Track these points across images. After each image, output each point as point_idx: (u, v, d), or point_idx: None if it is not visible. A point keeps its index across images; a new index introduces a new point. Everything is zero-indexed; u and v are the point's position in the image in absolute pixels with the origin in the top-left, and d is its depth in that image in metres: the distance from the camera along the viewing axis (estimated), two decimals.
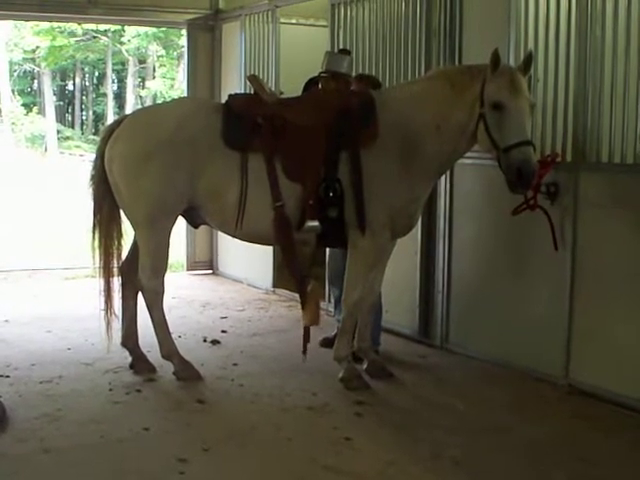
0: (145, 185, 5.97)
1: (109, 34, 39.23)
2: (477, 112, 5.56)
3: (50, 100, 43.03)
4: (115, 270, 6.34)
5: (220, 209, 6.03)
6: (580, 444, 5.15)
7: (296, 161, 5.90)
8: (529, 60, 5.59)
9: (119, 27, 34.51)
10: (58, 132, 42.19)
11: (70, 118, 49.92)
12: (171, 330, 6.39)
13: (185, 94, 11.12)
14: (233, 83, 10.00)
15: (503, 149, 5.40)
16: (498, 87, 5.45)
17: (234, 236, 6.25)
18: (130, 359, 6.43)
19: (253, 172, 5.89)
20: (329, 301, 7.93)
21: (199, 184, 5.97)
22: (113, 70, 45.62)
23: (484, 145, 5.63)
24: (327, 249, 7.08)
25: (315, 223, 5.88)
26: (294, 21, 9.91)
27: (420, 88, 6.05)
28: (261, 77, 7.46)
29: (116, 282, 6.35)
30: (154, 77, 41.89)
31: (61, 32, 37.59)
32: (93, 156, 6.54)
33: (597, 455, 4.99)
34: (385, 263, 6.38)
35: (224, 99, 6.49)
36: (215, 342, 7.30)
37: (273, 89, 7.59)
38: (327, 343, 6.84)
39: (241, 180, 5.91)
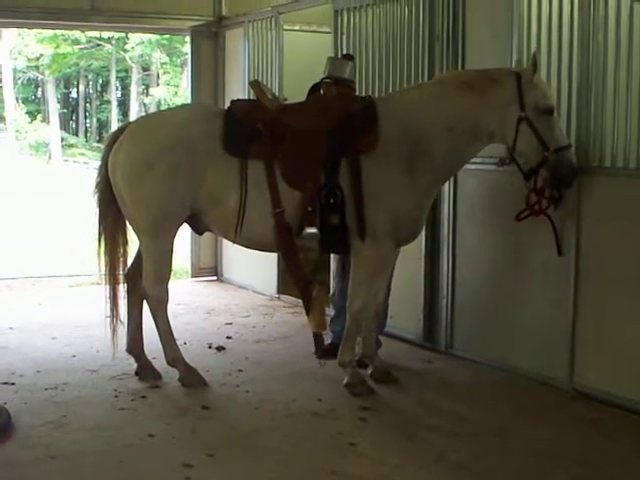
0: (147, 192, 5.98)
1: (113, 42, 39.35)
2: (514, 115, 5.65)
3: (54, 108, 43.14)
4: (121, 277, 6.36)
5: (220, 215, 6.04)
6: (584, 448, 5.15)
7: (296, 167, 5.90)
8: (534, 63, 5.65)
9: (122, 34, 34.63)
10: (62, 140, 42.32)
11: (74, 126, 50.03)
12: (176, 337, 6.40)
13: (189, 101, 11.14)
14: (237, 89, 10.01)
15: (555, 150, 5.59)
16: (544, 92, 5.69)
17: (234, 242, 6.24)
18: (135, 366, 6.43)
19: (253, 178, 5.89)
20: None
21: (200, 190, 5.97)
22: (117, 77, 45.74)
23: (526, 146, 5.69)
24: (334, 265, 7.09)
25: (313, 230, 5.87)
26: (297, 27, 9.91)
27: (430, 92, 6.05)
28: (264, 83, 7.45)
29: (122, 289, 6.36)
30: (158, 84, 42.01)
31: (65, 40, 37.72)
32: (97, 163, 6.55)
33: (601, 459, 4.98)
34: (390, 271, 6.38)
35: (227, 105, 6.51)
36: (220, 348, 7.30)
37: (277, 95, 7.59)
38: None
39: (241, 186, 5.90)
